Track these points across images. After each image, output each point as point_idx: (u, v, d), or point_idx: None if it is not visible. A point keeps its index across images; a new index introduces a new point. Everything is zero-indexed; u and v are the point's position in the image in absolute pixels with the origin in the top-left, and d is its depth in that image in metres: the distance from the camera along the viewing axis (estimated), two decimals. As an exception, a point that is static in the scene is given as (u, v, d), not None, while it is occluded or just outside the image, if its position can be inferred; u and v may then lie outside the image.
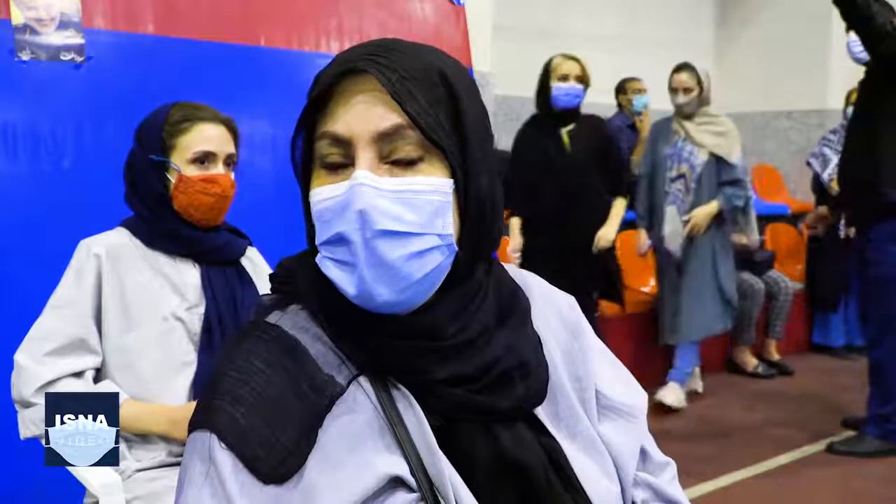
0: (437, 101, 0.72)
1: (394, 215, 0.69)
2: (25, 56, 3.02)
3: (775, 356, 4.82)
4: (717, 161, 3.87)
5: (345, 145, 0.71)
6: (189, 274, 1.66)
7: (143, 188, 1.66)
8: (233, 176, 1.68)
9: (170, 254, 1.66)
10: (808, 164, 4.98)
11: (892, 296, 3.27)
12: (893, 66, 3.15)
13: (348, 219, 0.69)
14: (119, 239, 1.65)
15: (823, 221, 4.87)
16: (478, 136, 0.75)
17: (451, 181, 0.73)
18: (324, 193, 0.72)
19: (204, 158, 1.63)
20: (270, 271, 0.84)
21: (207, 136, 1.63)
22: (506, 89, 4.94)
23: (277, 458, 0.69)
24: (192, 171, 1.62)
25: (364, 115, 0.71)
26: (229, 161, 1.67)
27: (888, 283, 3.27)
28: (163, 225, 1.65)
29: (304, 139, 0.76)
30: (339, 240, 0.71)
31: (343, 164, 0.72)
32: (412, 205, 0.70)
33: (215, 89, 2.63)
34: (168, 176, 1.63)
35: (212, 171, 1.64)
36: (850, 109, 3.87)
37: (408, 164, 0.71)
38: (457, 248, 0.74)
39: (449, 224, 0.72)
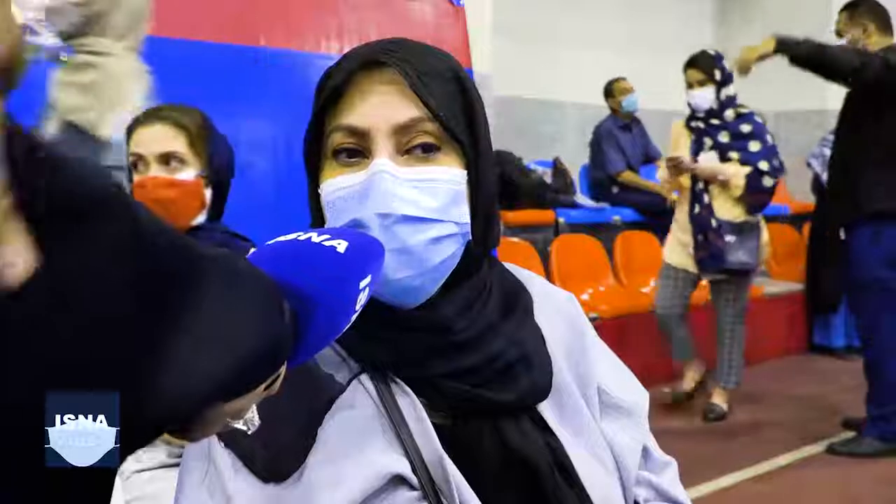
0: (452, 96, 0.73)
1: (413, 201, 0.70)
2: (25, 56, 3.02)
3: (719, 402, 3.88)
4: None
5: (361, 137, 0.72)
6: None
7: None
8: (183, 175, 1.57)
9: None
10: (809, 164, 4.98)
11: (874, 297, 3.33)
12: (879, 89, 3.20)
13: (368, 205, 0.70)
14: None
15: None
16: (486, 132, 0.76)
17: (465, 172, 0.74)
18: (339, 183, 0.72)
19: (136, 163, 1.57)
20: None
21: (136, 141, 1.58)
22: (504, 90, 4.94)
23: (277, 457, 0.69)
24: (135, 178, 1.57)
25: (382, 107, 0.71)
26: (166, 159, 1.56)
27: (869, 284, 3.32)
28: None
29: (313, 134, 0.76)
30: (357, 227, 0.71)
31: (359, 157, 0.73)
32: (431, 192, 0.71)
33: (215, 89, 2.63)
34: None
35: (144, 174, 1.56)
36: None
37: (425, 154, 0.72)
38: (470, 237, 0.75)
39: (465, 213, 0.74)
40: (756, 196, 3.60)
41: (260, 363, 0.47)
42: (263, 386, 0.48)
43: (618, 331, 4.09)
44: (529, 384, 0.76)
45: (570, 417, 0.80)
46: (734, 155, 3.59)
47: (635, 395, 0.87)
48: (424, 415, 0.72)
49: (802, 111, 6.36)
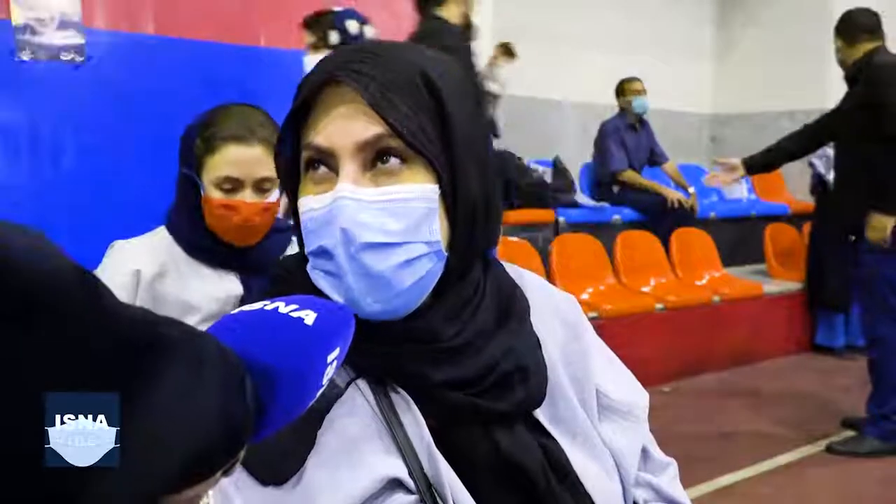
0: (420, 106, 0.70)
1: (377, 227, 0.69)
2: (25, 56, 3.02)
3: None
4: None
5: (328, 156, 0.71)
6: (233, 286, 1.57)
7: (181, 197, 1.58)
8: (272, 198, 1.51)
9: (212, 266, 1.57)
10: (812, 164, 4.96)
11: (876, 296, 3.35)
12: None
13: (332, 234, 0.69)
14: (161, 248, 1.56)
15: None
16: (466, 136, 0.73)
17: (437, 186, 0.71)
18: (309, 204, 0.72)
19: (227, 184, 1.49)
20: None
21: (231, 161, 1.48)
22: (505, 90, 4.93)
23: (276, 460, 0.69)
24: (216, 194, 1.49)
25: (345, 126, 0.70)
26: (262, 186, 1.50)
27: (871, 283, 3.33)
28: (200, 238, 1.57)
29: (293, 146, 0.75)
30: (324, 253, 0.70)
31: (328, 174, 0.71)
32: (397, 214, 0.69)
33: (215, 89, 2.63)
34: (200, 192, 1.52)
35: (236, 196, 1.49)
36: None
37: (391, 170, 0.70)
38: (446, 254, 0.73)
39: (436, 230, 0.71)
40: None
41: (219, 450, 0.44)
42: (220, 472, 0.45)
43: (618, 330, 4.10)
44: (525, 394, 0.76)
45: (565, 420, 0.80)
46: None
47: (635, 395, 0.87)
48: (421, 419, 0.72)
49: (803, 111, 6.36)
